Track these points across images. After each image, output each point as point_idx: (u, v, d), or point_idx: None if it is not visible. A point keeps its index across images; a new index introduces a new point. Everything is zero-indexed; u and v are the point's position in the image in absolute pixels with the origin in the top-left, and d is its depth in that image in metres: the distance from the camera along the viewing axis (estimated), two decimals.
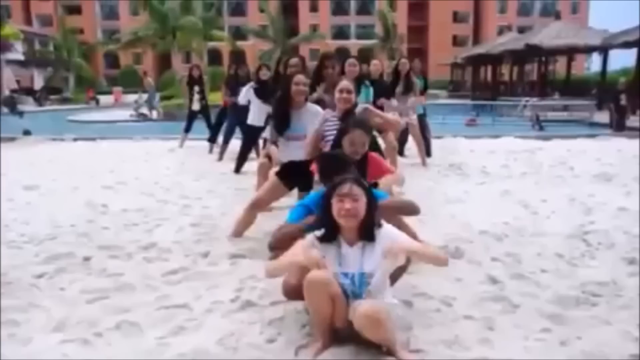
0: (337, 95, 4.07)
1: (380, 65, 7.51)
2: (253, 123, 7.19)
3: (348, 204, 2.44)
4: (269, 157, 4.91)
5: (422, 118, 8.38)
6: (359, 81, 5.66)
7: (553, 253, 3.94)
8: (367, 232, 2.52)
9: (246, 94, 7.40)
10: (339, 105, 4.07)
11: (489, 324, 2.81)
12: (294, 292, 2.75)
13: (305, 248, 2.51)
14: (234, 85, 8.62)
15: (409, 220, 3.53)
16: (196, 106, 10.10)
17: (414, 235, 3.20)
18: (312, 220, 2.89)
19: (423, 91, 8.47)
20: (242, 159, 7.51)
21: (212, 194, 6.14)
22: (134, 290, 3.31)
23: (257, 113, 7.11)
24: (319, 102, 4.64)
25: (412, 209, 3.44)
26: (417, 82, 7.97)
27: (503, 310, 2.99)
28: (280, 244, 3.19)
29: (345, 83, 4.12)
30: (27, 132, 12.66)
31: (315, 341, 2.56)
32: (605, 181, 6.69)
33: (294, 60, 5.55)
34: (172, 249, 4.08)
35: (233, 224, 4.40)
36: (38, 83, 42.39)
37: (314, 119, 4.25)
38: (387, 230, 2.58)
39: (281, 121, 4.40)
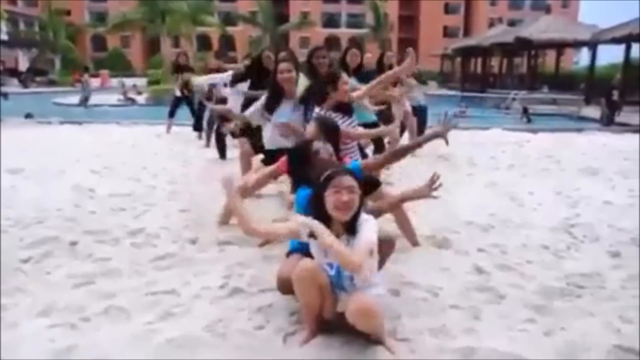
0: (341, 87, 4.11)
1: (372, 58, 7.50)
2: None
3: (346, 196, 2.41)
4: (252, 144, 5.05)
5: (421, 110, 8.42)
6: (357, 71, 5.69)
7: (539, 245, 3.99)
8: (353, 225, 2.48)
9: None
10: (339, 97, 4.13)
11: (475, 314, 2.84)
12: (289, 286, 2.66)
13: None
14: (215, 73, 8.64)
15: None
16: (180, 93, 10.05)
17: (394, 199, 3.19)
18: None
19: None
20: (220, 143, 7.52)
21: (200, 180, 6.11)
22: (121, 275, 3.31)
23: (234, 101, 7.04)
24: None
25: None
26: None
27: (489, 300, 3.02)
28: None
29: (346, 77, 4.19)
30: (29, 115, 12.51)
31: (304, 329, 2.58)
32: (591, 175, 6.76)
33: (282, 55, 5.55)
34: (160, 235, 4.07)
35: (221, 211, 4.39)
36: (23, 64, 41.77)
37: (300, 110, 4.31)
38: (367, 222, 2.51)
39: (268, 109, 4.45)
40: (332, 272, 2.49)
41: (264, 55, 6.16)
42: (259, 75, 6.08)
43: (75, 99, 20.45)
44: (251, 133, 5.36)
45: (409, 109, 7.89)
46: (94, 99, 20.18)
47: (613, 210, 5.03)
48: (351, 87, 4.51)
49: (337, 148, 3.47)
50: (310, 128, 3.57)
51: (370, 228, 2.46)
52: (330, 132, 3.51)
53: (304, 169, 3.13)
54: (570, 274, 3.40)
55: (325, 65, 4.98)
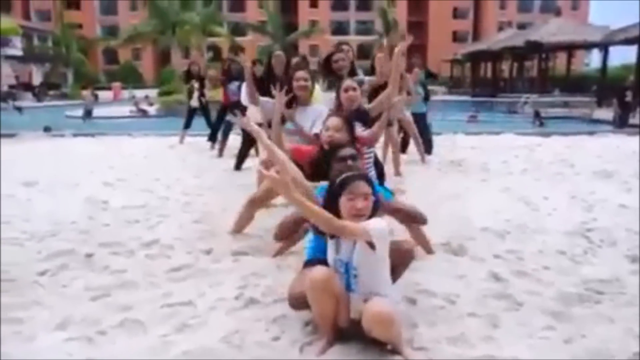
0: (342, 95, 4.06)
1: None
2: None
3: (360, 204, 2.43)
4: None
5: (423, 117, 8.35)
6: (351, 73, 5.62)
7: (555, 250, 3.94)
8: None
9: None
10: (346, 105, 4.06)
11: (493, 322, 2.81)
12: (300, 301, 2.64)
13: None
14: (228, 81, 8.58)
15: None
16: (195, 102, 10.08)
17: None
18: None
19: (425, 89, 8.44)
20: (241, 156, 7.48)
21: (213, 191, 6.13)
22: (137, 287, 3.31)
23: (254, 111, 7.00)
24: None
25: (421, 219, 3.63)
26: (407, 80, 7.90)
27: (507, 308, 2.99)
28: (284, 231, 3.31)
29: (348, 82, 4.12)
30: (47, 129, 12.66)
31: (320, 339, 2.56)
32: (606, 178, 6.69)
33: (296, 60, 5.50)
34: (175, 246, 4.07)
35: (234, 221, 4.40)
36: (37, 79, 42.32)
37: (319, 119, 4.24)
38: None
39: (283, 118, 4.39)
40: (342, 270, 2.49)
41: (274, 55, 5.98)
42: (267, 78, 6.01)
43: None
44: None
45: (408, 118, 7.81)
46: (106, 112, 20.40)
47: (629, 213, 4.96)
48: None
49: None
50: (333, 122, 3.52)
51: (379, 220, 2.50)
52: (348, 129, 3.52)
53: (324, 171, 3.13)
54: (589, 280, 3.35)
55: (346, 68, 4.96)
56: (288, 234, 3.58)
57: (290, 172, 2.92)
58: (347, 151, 3.17)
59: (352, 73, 5.26)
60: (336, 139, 3.36)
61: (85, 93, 21.24)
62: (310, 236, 3.14)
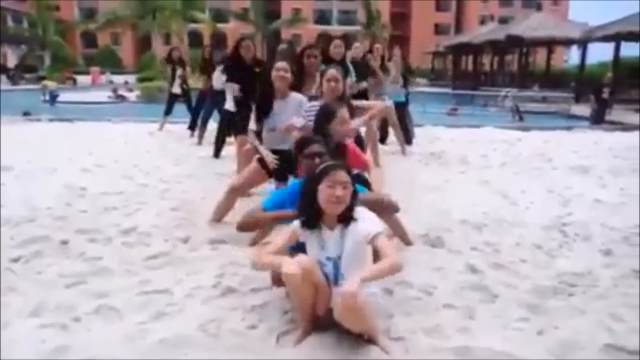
0: (325, 84, 4.04)
1: (362, 48, 7.43)
2: (229, 109, 6.64)
3: (339, 191, 2.43)
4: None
5: (403, 106, 8.36)
6: (342, 63, 5.65)
7: (531, 243, 4.00)
8: (347, 217, 2.52)
9: (219, 78, 7.25)
10: (328, 95, 4.04)
11: (469, 313, 2.85)
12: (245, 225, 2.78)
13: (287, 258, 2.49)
14: (209, 69, 8.51)
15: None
16: (177, 89, 9.97)
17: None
18: (289, 214, 2.95)
19: (404, 79, 8.46)
20: (219, 143, 7.41)
21: (192, 178, 6.08)
22: (113, 274, 3.28)
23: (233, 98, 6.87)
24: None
25: (389, 206, 3.55)
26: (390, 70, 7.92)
27: (482, 300, 3.03)
28: (246, 227, 3.42)
29: (332, 72, 4.11)
30: (26, 113, 12.40)
31: (297, 328, 2.57)
32: (582, 173, 6.80)
33: (282, 47, 5.45)
34: (152, 234, 4.04)
35: (213, 209, 4.37)
36: (12, 61, 41.35)
37: (299, 109, 4.22)
38: (361, 212, 2.56)
39: (263, 111, 4.33)
40: (330, 266, 2.49)
41: (243, 45, 5.89)
42: (236, 66, 5.90)
43: (66, 96, 20.31)
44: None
45: (391, 104, 7.81)
46: (84, 97, 20.03)
47: (604, 208, 5.06)
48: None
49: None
50: (333, 73, 3.57)
51: (372, 217, 2.54)
52: (329, 118, 3.55)
53: (292, 166, 3.14)
54: (563, 273, 3.41)
55: (316, 65, 4.92)
56: (248, 230, 3.58)
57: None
58: (316, 148, 3.17)
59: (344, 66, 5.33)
60: (337, 89, 3.39)
61: (44, 83, 21.14)
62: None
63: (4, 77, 32.72)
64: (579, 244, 4.07)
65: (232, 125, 6.37)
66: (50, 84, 21.07)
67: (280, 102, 4.33)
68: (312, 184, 2.51)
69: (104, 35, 49.16)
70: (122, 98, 20.77)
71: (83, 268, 3.35)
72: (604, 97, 14.44)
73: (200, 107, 9.12)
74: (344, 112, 3.66)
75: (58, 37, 44.21)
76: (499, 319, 2.80)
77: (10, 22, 45.55)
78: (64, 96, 20.04)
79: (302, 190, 2.60)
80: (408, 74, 8.80)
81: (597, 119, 14.00)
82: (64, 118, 11.84)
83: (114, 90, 21.80)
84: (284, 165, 4.03)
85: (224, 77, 6.63)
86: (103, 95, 21.47)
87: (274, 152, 4.25)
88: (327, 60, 5.32)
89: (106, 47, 52.82)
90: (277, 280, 2.80)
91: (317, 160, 2.99)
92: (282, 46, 5.50)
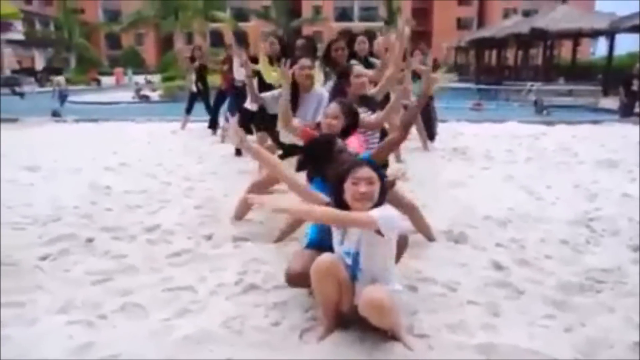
0: (354, 80, 4.04)
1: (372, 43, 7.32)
2: (248, 107, 6.46)
3: (363, 187, 2.42)
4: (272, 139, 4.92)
5: (427, 102, 8.26)
6: (366, 59, 5.63)
7: (557, 239, 3.93)
8: None
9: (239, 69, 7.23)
10: (356, 90, 4.04)
11: (494, 310, 2.81)
12: (298, 279, 2.72)
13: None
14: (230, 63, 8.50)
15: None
16: (194, 88, 10.06)
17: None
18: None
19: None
20: None
21: (215, 176, 6.13)
22: (137, 272, 3.32)
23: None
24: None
25: (409, 204, 3.70)
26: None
27: (507, 296, 2.99)
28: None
29: (358, 69, 4.11)
30: (55, 114, 12.58)
31: (320, 325, 2.57)
32: (610, 167, 6.65)
33: (301, 42, 5.45)
34: (176, 231, 4.07)
35: (235, 207, 4.39)
36: (39, 64, 42.19)
37: (320, 104, 4.22)
38: (384, 210, 2.51)
39: (293, 102, 4.35)
40: (349, 260, 2.48)
41: (268, 42, 5.89)
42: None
43: (90, 97, 20.62)
44: (272, 128, 5.28)
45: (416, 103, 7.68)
46: (108, 97, 20.28)
47: (633, 203, 4.93)
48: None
49: (349, 133, 3.44)
50: (331, 109, 3.49)
51: (387, 207, 2.51)
52: (350, 115, 3.46)
53: (321, 164, 3.09)
54: (590, 269, 3.34)
55: (344, 57, 4.94)
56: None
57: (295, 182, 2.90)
58: (340, 143, 3.13)
59: (367, 62, 5.29)
60: (333, 126, 3.36)
61: (57, 80, 20.99)
62: (309, 225, 3.16)
63: (32, 80, 33.36)
64: (606, 239, 3.99)
65: (253, 123, 6.38)
66: (62, 82, 20.64)
67: (305, 96, 4.36)
68: (337, 183, 2.52)
69: (127, 36, 49.79)
70: (145, 98, 21.00)
71: (108, 265, 3.40)
72: (633, 89, 14.05)
73: (220, 105, 9.16)
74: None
75: (83, 39, 45.03)
76: (524, 315, 2.76)
77: (37, 26, 46.44)
78: (85, 97, 20.28)
79: (331, 189, 2.61)
80: (436, 69, 8.68)
81: (626, 112, 13.62)
82: (89, 119, 12.03)
83: (137, 91, 22.03)
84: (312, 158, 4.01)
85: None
86: (128, 95, 21.71)
87: (294, 146, 4.25)
88: (351, 57, 5.32)
89: (130, 48, 53.52)
90: (294, 279, 2.77)
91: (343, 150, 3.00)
92: (301, 41, 5.47)
